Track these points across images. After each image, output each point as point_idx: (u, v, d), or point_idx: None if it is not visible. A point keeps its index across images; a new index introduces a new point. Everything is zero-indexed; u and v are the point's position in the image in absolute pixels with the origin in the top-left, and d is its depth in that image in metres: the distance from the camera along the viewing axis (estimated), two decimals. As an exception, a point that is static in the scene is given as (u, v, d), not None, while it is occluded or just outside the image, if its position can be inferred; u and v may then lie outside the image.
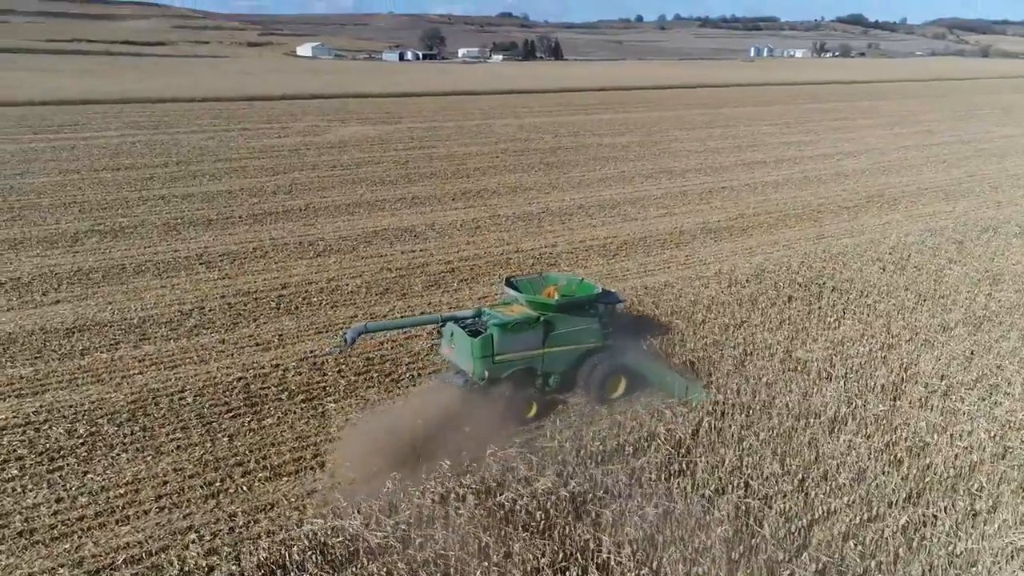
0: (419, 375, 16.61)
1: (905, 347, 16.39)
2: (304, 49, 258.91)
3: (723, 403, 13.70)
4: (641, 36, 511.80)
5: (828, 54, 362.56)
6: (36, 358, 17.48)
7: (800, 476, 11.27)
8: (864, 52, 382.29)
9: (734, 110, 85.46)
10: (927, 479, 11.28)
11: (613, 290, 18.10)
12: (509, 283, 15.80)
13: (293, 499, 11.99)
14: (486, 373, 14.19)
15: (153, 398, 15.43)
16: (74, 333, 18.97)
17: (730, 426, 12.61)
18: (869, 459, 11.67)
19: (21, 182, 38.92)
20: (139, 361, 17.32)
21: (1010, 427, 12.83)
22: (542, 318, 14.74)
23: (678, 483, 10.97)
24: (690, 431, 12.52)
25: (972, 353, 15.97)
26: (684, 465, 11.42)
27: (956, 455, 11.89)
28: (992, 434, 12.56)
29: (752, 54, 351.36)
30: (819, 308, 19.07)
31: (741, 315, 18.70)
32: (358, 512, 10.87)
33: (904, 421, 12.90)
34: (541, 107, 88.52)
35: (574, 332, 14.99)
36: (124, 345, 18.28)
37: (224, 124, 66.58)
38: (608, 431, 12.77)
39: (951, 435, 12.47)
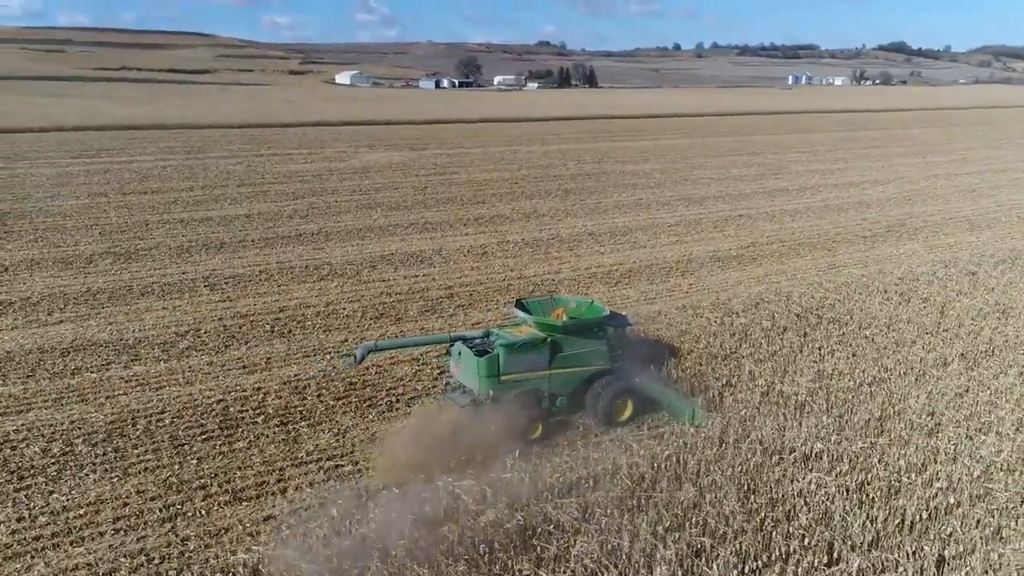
0: (397, 400, 16.50)
1: (896, 382, 15.79)
2: (343, 77, 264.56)
3: (693, 436, 13.33)
4: (678, 64, 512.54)
5: (868, 82, 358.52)
6: (28, 377, 17.79)
7: (762, 515, 10.83)
8: (906, 80, 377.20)
9: (764, 138, 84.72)
10: (897, 522, 10.77)
11: (624, 313, 18.12)
12: (519, 304, 15.92)
13: (248, 524, 11.91)
14: (491, 392, 14.27)
15: (132, 419, 15.56)
16: (69, 353, 19.30)
17: (698, 460, 12.21)
18: (838, 499, 11.19)
19: (51, 204, 40.10)
20: (126, 382, 17.52)
21: (994, 468, 12.21)
22: (549, 339, 14.80)
23: (632, 519, 10.62)
24: (654, 465, 12.14)
25: (967, 389, 15.31)
26: (641, 500, 11.06)
27: (932, 496, 11.34)
28: (974, 475, 11.97)
29: (790, 82, 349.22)
30: (813, 340, 18.53)
31: (730, 345, 18.25)
32: (300, 539, 10.75)
33: (881, 459, 12.37)
34: (570, 134, 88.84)
35: (581, 354, 15.04)
36: (115, 365, 18.52)
37: (255, 149, 68.04)
38: (569, 463, 12.46)
39: (930, 475, 11.92)
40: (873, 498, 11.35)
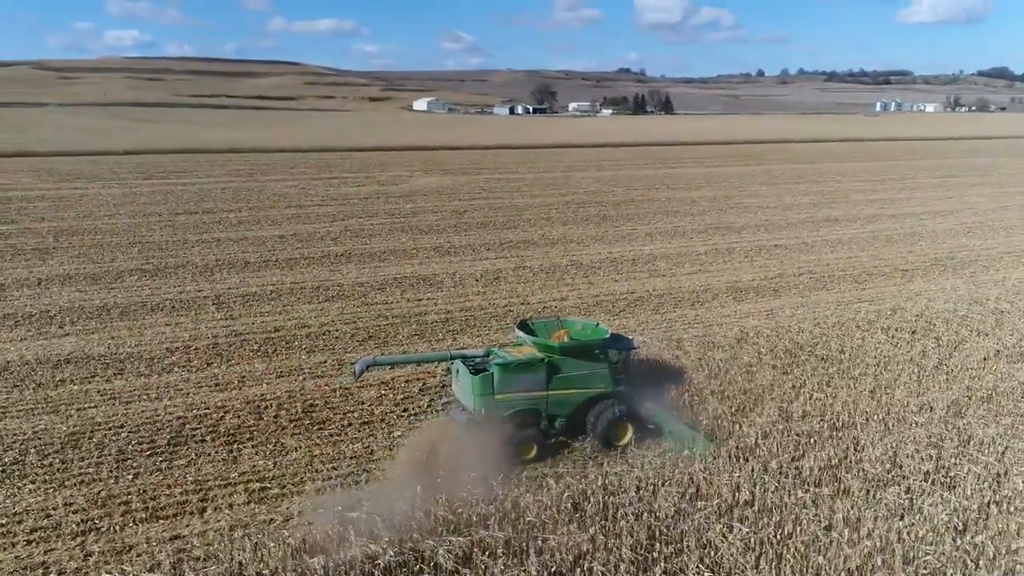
0: (350, 424, 16.36)
1: (866, 427, 14.58)
2: (420, 104, 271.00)
3: (618, 475, 12.61)
4: (760, 91, 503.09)
5: (963, 109, 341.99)
6: (15, 387, 18.52)
7: (659, 569, 10.07)
8: (1005, 107, 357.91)
9: (832, 165, 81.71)
10: (807, 583, 9.84)
11: (630, 336, 17.84)
12: (523, 325, 15.92)
13: (154, 543, 11.92)
14: (483, 411, 14.32)
15: (90, 432, 15.94)
16: (61, 365, 20.03)
17: (605, 503, 11.51)
18: (748, 554, 10.31)
19: (106, 223, 42.20)
20: (100, 395, 18.02)
21: (943, 529, 11.03)
22: (546, 360, 14.74)
23: (511, 563, 10.05)
24: (556, 505, 11.49)
25: (942, 438, 14.00)
26: (526, 544, 10.46)
27: (856, 556, 10.31)
28: (917, 535, 10.84)
29: (878, 109, 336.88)
30: (792, 378, 17.39)
31: (699, 381, 17.32)
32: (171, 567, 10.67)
33: (813, 513, 11.37)
34: (629, 160, 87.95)
35: (580, 376, 14.93)
36: (98, 379, 19.10)
37: (315, 173, 70.05)
38: (472, 497, 11.92)
39: (865, 532, 10.86)
40: (784, 556, 10.39)
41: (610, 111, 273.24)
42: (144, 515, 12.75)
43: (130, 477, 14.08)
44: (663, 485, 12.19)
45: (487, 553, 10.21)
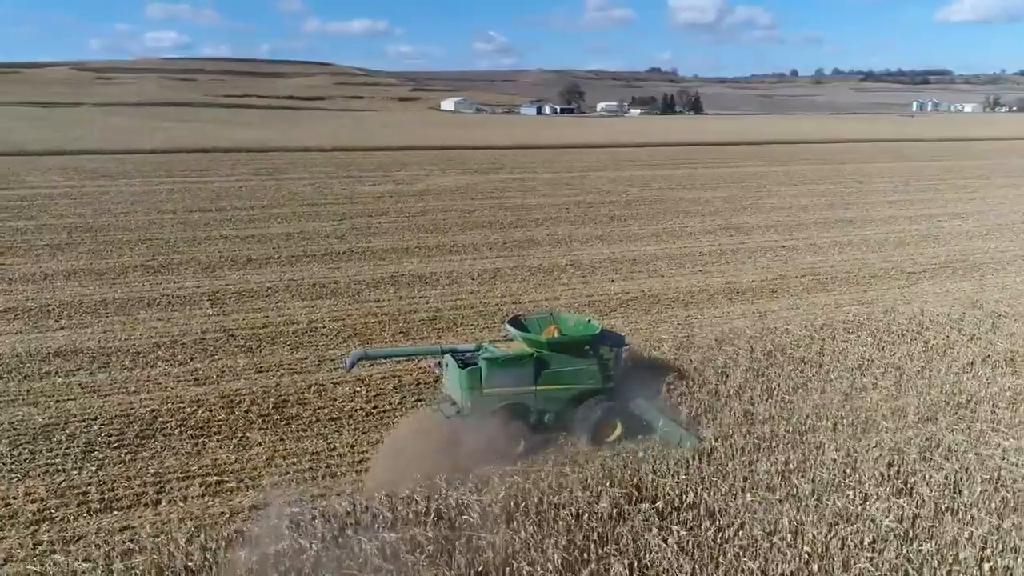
0: (317, 420, 16.44)
1: (830, 432, 14.24)
2: (448, 103, 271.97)
3: (566, 475, 12.48)
4: (795, 91, 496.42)
5: (1003, 109, 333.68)
6: (0, 379, 18.92)
7: (588, 570, 9.94)
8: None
9: (857, 166, 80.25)
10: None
11: (622, 333, 17.87)
12: (514, 321, 16.01)
13: (104, 534, 12.08)
14: (469, 404, 14.46)
15: (64, 423, 16.21)
16: (50, 357, 20.42)
17: (547, 505, 11.38)
18: (683, 559, 10.11)
19: (122, 220, 42.96)
20: (81, 387, 18.33)
21: (890, 537, 10.72)
22: (535, 355, 14.79)
23: (439, 561, 9.99)
24: (498, 504, 11.38)
25: (909, 443, 13.61)
26: (457, 544, 10.37)
27: (792, 561, 10.07)
28: (861, 542, 10.55)
29: (913, 109, 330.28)
30: (765, 380, 17.06)
31: (669, 383, 17.04)
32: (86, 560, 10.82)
33: (758, 518, 11.12)
34: (650, 160, 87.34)
35: (569, 372, 14.96)
36: (82, 372, 19.43)
37: (334, 172, 70.61)
38: (416, 494, 11.87)
39: (809, 539, 10.59)
40: (721, 560, 10.20)
41: (638, 111, 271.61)
42: (99, 506, 12.94)
43: (93, 468, 14.31)
44: (611, 486, 12.03)
45: (416, 551, 10.16)
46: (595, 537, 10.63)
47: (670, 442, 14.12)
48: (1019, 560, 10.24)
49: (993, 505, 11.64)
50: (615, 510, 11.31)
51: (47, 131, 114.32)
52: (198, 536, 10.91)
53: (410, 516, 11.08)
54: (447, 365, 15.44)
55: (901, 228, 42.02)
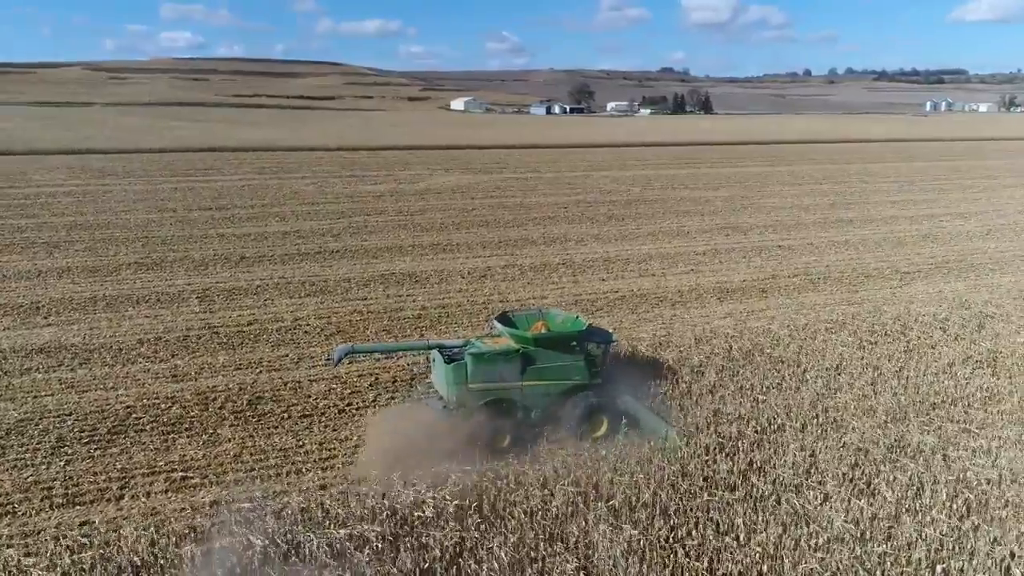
0: (289, 418, 16.45)
1: (797, 432, 14.11)
2: (457, 103, 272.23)
3: (524, 472, 12.42)
4: (808, 91, 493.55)
5: (1019, 108, 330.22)
6: (-18, 374, 19.06)
7: (534, 569, 9.88)
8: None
9: (863, 166, 79.63)
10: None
11: (610, 330, 18.01)
12: (502, 317, 16.18)
13: (63, 528, 12.13)
14: (454, 399, 14.67)
15: (39, 419, 16.31)
16: (33, 354, 20.55)
17: (502, 502, 11.32)
18: (629, 557, 10.03)
19: (122, 218, 43.21)
20: (60, 383, 18.43)
21: (846, 537, 10.59)
22: (520, 351, 14.91)
23: (386, 558, 9.95)
24: (453, 501, 11.34)
25: (876, 443, 13.44)
26: (406, 542, 10.33)
27: (741, 562, 9.97)
28: (812, 544, 10.42)
29: (927, 108, 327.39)
30: (739, 380, 16.92)
31: (644, 382, 16.94)
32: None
33: (712, 518, 11.01)
34: (655, 160, 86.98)
35: (555, 368, 15.06)
36: (63, 368, 19.55)
37: (337, 171, 70.73)
38: (371, 491, 11.84)
39: (760, 540, 10.48)
40: (668, 560, 10.11)
41: (648, 111, 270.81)
42: (62, 501, 13.00)
43: (62, 463, 14.38)
44: (569, 484, 11.96)
45: (364, 548, 10.14)
46: (546, 536, 10.57)
47: (655, 438, 14.08)
48: (974, 562, 10.09)
49: (955, 507, 11.49)
50: (570, 508, 11.24)
51: (58, 130, 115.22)
52: (147, 532, 10.92)
53: (364, 513, 11.05)
54: (434, 360, 15.65)
55: (901, 228, 41.66)
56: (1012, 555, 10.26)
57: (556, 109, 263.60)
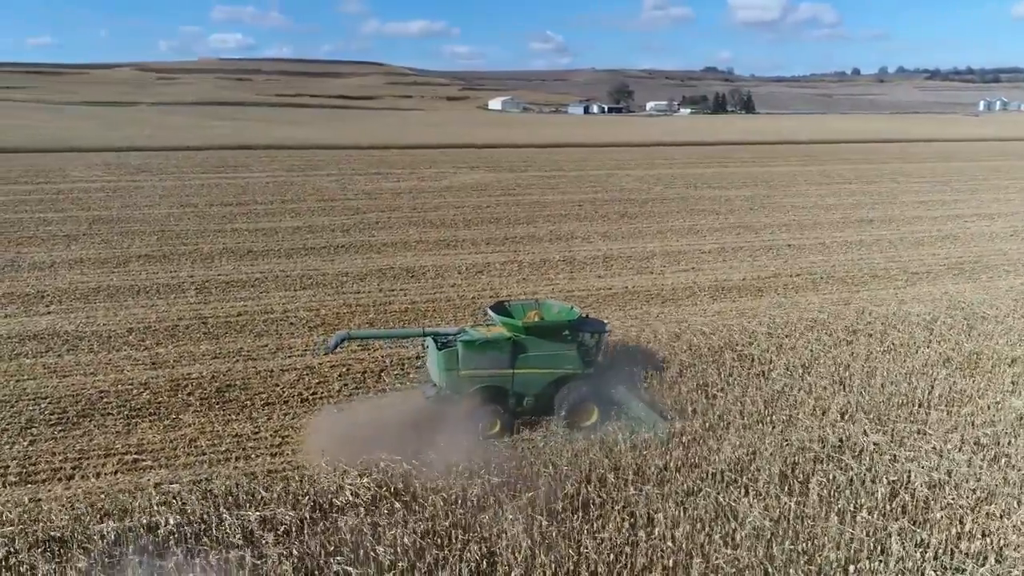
0: (252, 405, 16.75)
1: (742, 429, 13.83)
2: (495, 103, 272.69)
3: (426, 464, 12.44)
4: (856, 90, 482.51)
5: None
6: (-27, 359, 19.78)
7: (432, 555, 9.89)
8: None
9: (898, 165, 77.66)
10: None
11: (604, 320, 18.20)
12: (497, 306, 16.52)
13: (12, 506, 12.53)
14: (446, 385, 15.00)
15: (16, 401, 16.89)
16: (26, 340, 21.26)
17: (421, 489, 11.37)
18: (537, 548, 9.99)
19: (145, 212, 44.37)
20: (45, 368, 19.05)
21: (758, 536, 10.37)
22: (512, 339, 15.16)
23: (291, 541, 10.08)
24: (377, 487, 11.42)
25: (823, 443, 13.12)
26: (316, 525, 10.46)
27: (649, 557, 9.84)
28: (728, 542, 10.24)
29: (980, 108, 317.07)
30: (702, 376, 16.68)
31: (606, 376, 16.79)
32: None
33: (633, 512, 10.89)
34: (684, 159, 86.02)
35: (547, 356, 15.27)
36: (51, 354, 20.19)
37: (363, 169, 71.48)
38: (297, 475, 11.99)
39: (678, 535, 10.34)
40: (571, 549, 10.03)
41: (688, 110, 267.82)
42: (16, 480, 13.45)
43: (26, 443, 14.87)
44: (494, 475, 11.97)
45: (273, 530, 10.30)
46: (457, 524, 10.60)
47: (643, 427, 14.21)
48: (890, 565, 9.81)
49: (890, 508, 11.17)
50: (490, 498, 11.24)
51: (102, 129, 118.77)
52: (73, 509, 11.24)
53: (284, 497, 11.23)
54: (428, 347, 15.97)
55: (923, 228, 40.55)
56: (935, 557, 9.95)
57: (594, 109, 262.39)
